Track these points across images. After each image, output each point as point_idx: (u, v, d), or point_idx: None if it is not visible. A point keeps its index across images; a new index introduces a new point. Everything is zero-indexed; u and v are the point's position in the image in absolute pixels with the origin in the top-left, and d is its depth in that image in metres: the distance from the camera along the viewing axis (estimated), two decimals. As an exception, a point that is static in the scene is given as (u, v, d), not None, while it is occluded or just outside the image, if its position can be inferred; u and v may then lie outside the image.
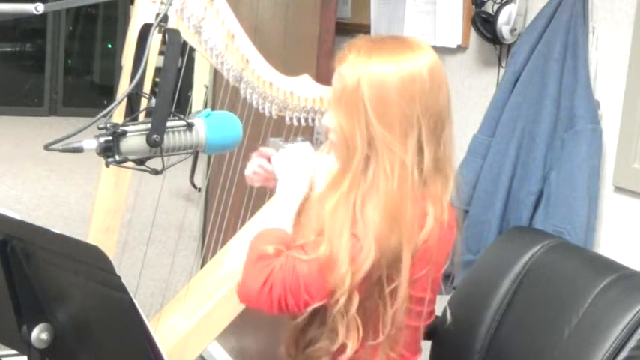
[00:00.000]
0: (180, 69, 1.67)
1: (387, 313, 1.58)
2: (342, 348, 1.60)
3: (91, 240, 1.69)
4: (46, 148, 1.39)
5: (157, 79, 1.52)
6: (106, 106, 1.46)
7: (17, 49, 9.05)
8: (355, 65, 1.56)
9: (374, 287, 1.56)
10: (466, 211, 2.33)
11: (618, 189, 2.11)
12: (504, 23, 2.34)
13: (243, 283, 1.58)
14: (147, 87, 1.60)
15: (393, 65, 1.55)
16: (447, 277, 1.87)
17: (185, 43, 1.67)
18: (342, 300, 1.53)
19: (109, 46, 9.18)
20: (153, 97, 1.50)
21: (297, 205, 1.67)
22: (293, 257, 1.55)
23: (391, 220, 1.53)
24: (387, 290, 1.56)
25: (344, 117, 1.56)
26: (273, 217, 1.68)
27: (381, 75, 1.54)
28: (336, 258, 1.53)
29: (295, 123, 1.87)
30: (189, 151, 1.56)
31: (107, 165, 1.48)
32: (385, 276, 1.55)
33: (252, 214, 1.92)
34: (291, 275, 1.54)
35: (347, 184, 1.56)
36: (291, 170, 1.70)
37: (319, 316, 1.60)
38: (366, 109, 1.54)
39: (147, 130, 1.48)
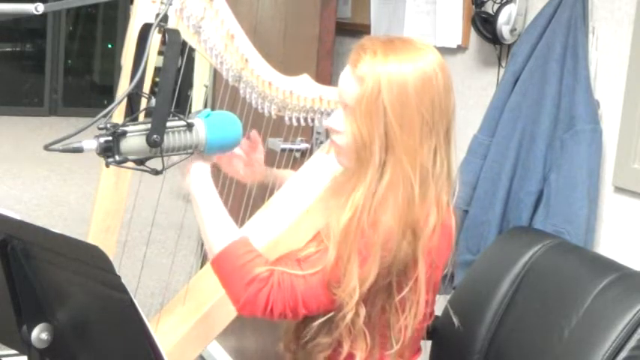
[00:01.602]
0: (179, 69, 1.67)
1: (398, 321, 1.57)
2: (349, 358, 1.59)
3: (91, 240, 1.69)
4: (46, 148, 1.39)
5: (157, 79, 1.51)
6: (106, 106, 1.46)
7: (17, 49, 9.06)
8: (373, 67, 1.51)
9: (380, 295, 1.55)
10: (466, 211, 2.33)
11: (618, 189, 2.11)
12: (504, 23, 2.34)
13: (245, 305, 1.54)
14: (146, 87, 1.60)
15: (410, 65, 1.51)
16: (447, 277, 1.87)
17: (185, 43, 1.67)
18: (350, 315, 1.52)
19: (109, 46, 9.19)
20: (153, 97, 1.50)
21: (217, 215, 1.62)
22: (289, 274, 1.54)
23: (405, 226, 1.51)
24: (397, 298, 1.55)
25: (363, 122, 1.51)
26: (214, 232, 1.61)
27: (400, 76, 1.50)
28: (343, 273, 1.51)
29: (295, 123, 1.86)
30: (189, 151, 1.56)
31: (107, 165, 1.48)
32: (395, 283, 1.54)
33: (252, 213, 1.92)
34: (290, 294, 1.53)
35: (361, 197, 1.52)
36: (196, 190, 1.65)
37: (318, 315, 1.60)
38: (386, 113, 1.50)
39: (147, 130, 1.48)
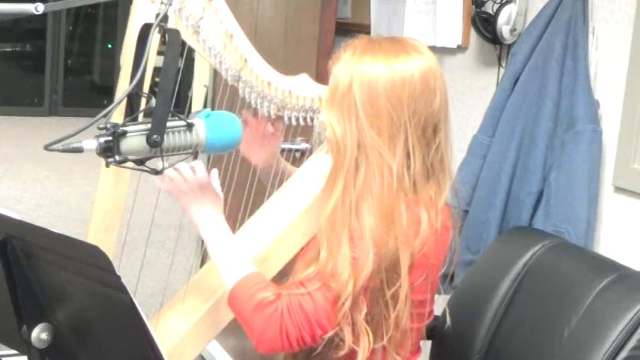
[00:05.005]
0: (179, 69, 1.67)
1: (389, 316, 1.58)
2: (351, 355, 1.59)
3: (90, 240, 1.69)
4: (46, 148, 1.39)
5: (157, 79, 1.51)
6: (106, 106, 1.46)
7: (17, 49, 9.04)
8: (348, 65, 1.56)
9: (377, 293, 1.56)
10: (466, 211, 2.33)
11: (618, 189, 2.11)
12: (504, 23, 2.34)
13: (260, 336, 1.54)
14: (146, 87, 1.60)
15: (384, 67, 1.54)
16: (447, 276, 1.87)
17: (184, 43, 1.67)
18: (347, 305, 1.52)
19: (109, 46, 9.17)
20: (153, 97, 1.50)
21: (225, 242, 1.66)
22: (295, 295, 1.54)
23: (386, 223, 1.52)
24: (389, 294, 1.56)
25: (335, 117, 1.56)
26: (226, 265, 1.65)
27: (371, 76, 1.54)
28: (335, 268, 1.52)
29: (294, 122, 1.86)
30: (189, 151, 1.56)
31: (107, 165, 1.48)
32: (385, 280, 1.55)
33: (252, 213, 1.92)
34: (300, 315, 1.53)
35: (340, 186, 1.55)
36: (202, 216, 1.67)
37: None
38: (358, 111, 1.54)
39: (147, 130, 1.48)
